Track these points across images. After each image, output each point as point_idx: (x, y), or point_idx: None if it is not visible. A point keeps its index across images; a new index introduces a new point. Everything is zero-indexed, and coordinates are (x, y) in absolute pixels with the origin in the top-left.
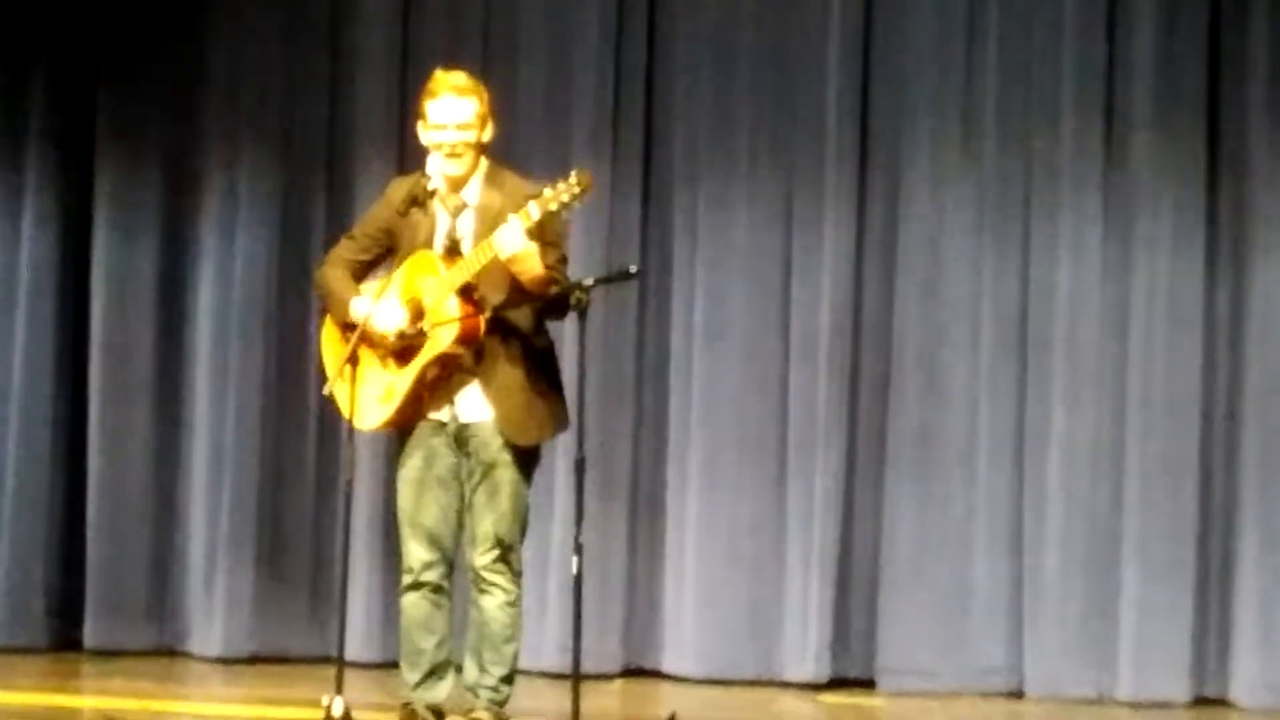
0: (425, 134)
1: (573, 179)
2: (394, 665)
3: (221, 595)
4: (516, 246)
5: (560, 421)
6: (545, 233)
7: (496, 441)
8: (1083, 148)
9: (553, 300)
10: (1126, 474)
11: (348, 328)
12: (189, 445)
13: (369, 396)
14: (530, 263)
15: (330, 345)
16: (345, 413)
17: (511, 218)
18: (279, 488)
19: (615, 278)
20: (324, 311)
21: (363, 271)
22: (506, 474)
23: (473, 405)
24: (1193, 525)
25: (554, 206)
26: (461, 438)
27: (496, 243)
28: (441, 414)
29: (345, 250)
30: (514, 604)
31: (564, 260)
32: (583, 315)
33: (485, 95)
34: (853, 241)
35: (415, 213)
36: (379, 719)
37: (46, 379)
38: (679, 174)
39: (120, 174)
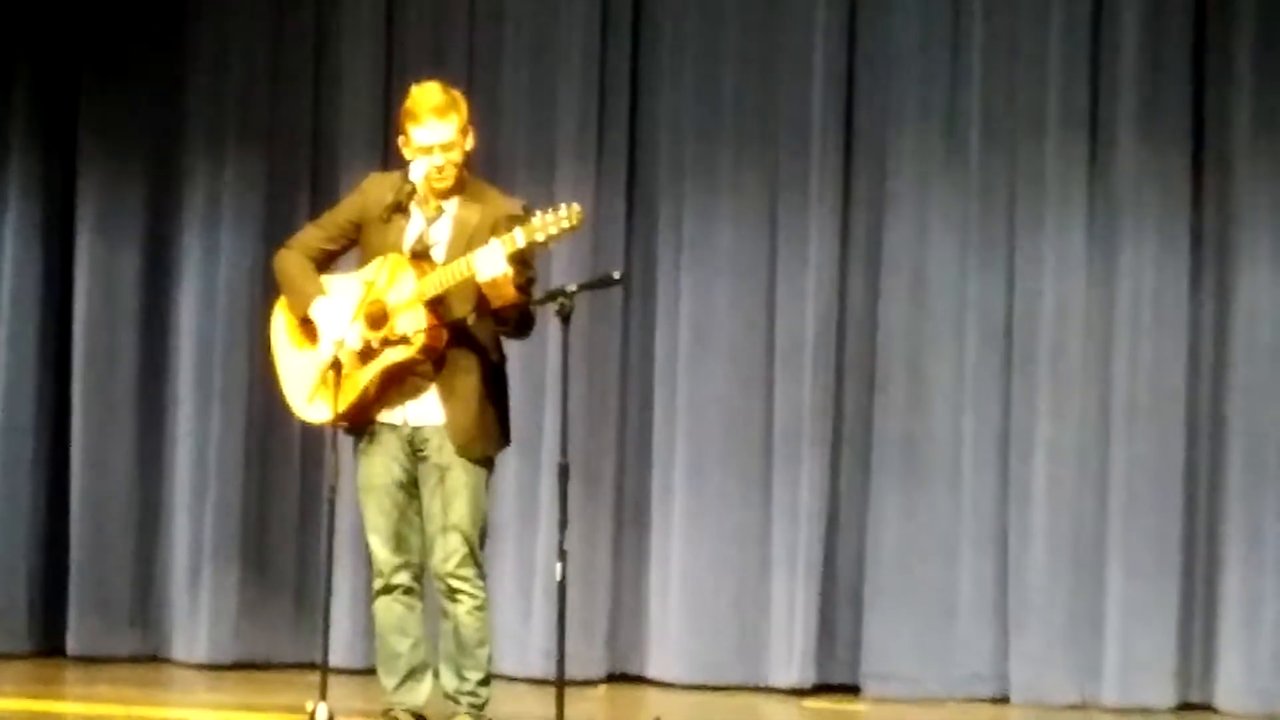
0: (409, 153)
1: (564, 212)
2: (376, 671)
3: (206, 601)
4: (495, 271)
5: (505, 437)
6: (522, 252)
7: (450, 446)
8: (1067, 156)
9: (526, 319)
10: (1111, 481)
11: (305, 323)
12: (173, 451)
13: (316, 394)
14: (505, 289)
15: (286, 333)
16: (323, 417)
17: (494, 242)
18: (263, 494)
19: (599, 283)
20: (278, 291)
21: (326, 260)
22: (462, 476)
23: (426, 410)
24: (1177, 531)
25: (540, 238)
26: (415, 441)
27: (475, 264)
28: (394, 417)
29: (311, 238)
30: (482, 608)
31: (532, 281)
32: (566, 321)
33: (464, 106)
34: (837, 248)
35: (397, 218)
36: None
37: (29, 384)
38: (663, 180)
39: (103, 179)
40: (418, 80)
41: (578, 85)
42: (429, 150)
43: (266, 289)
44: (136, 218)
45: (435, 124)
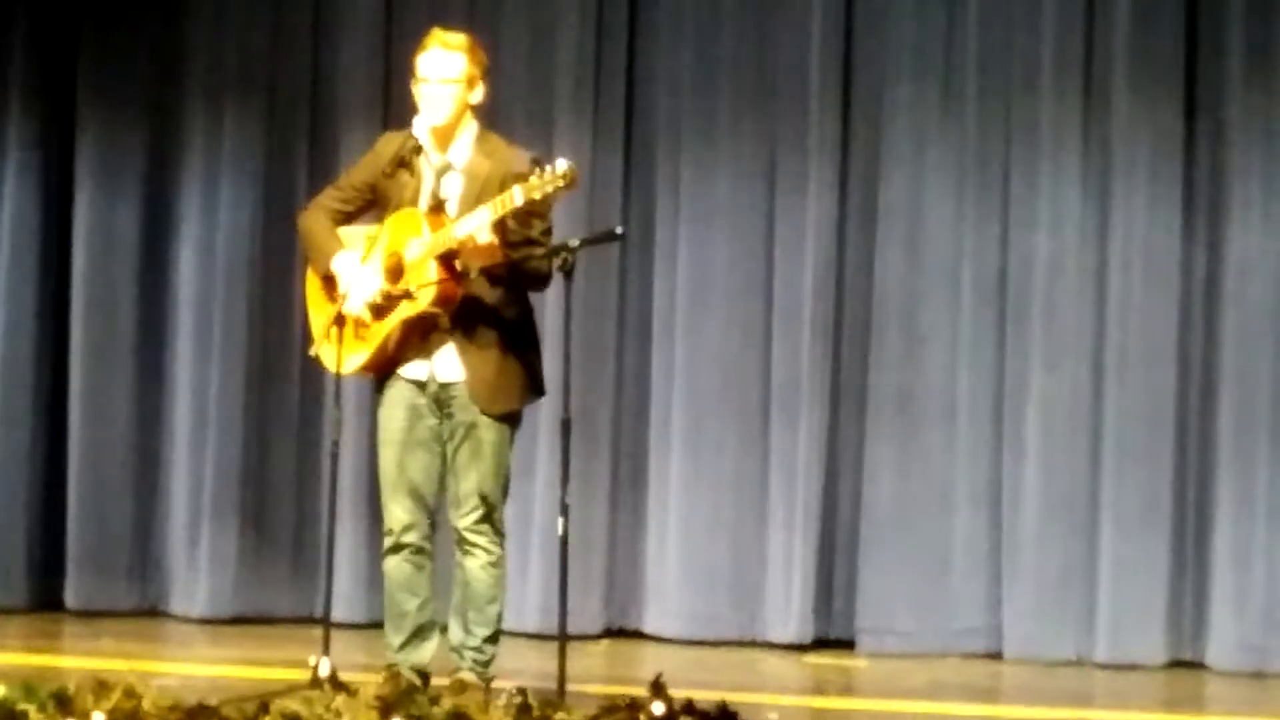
0: (414, 88)
1: (559, 171)
2: (380, 626)
3: (206, 555)
4: (479, 238)
5: (534, 389)
6: (534, 204)
7: (475, 399)
8: (1061, 110)
9: (531, 273)
10: (1103, 436)
11: (328, 279)
12: (172, 405)
13: (344, 341)
14: (487, 252)
15: (313, 297)
16: (331, 367)
17: (481, 210)
18: (263, 448)
19: (600, 238)
20: (306, 258)
21: (345, 221)
22: (488, 434)
23: (450, 366)
24: (1169, 486)
25: (537, 195)
26: (441, 398)
27: (456, 227)
28: (419, 372)
29: (329, 199)
30: (497, 564)
31: (549, 231)
32: (568, 276)
33: (479, 58)
34: (835, 202)
35: (401, 173)
36: (365, 679)
37: (27, 339)
38: (661, 135)
39: (102, 132)
40: (417, 35)
41: (575, 40)
42: (425, 80)
43: (266, 243)
44: (135, 172)
45: (439, 54)
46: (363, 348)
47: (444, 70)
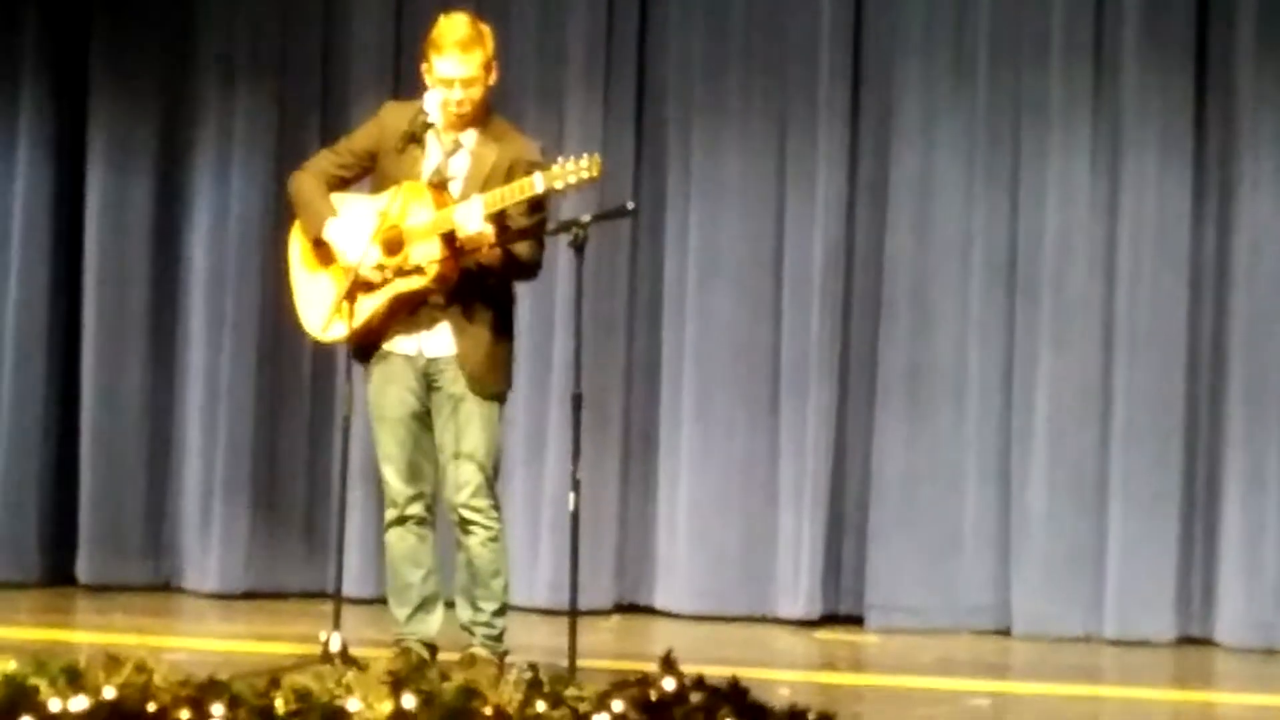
0: (430, 81)
1: (585, 162)
2: (388, 601)
3: (217, 531)
4: (471, 228)
5: (509, 378)
6: (551, 194)
7: (462, 378)
8: (1071, 86)
9: (522, 262)
10: (1113, 411)
11: (318, 244)
12: (184, 380)
13: (326, 309)
14: (481, 244)
15: (304, 261)
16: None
17: (475, 198)
18: (274, 423)
19: (612, 214)
20: (293, 217)
21: (339, 187)
22: (476, 408)
23: (440, 342)
24: (1178, 463)
25: (559, 185)
26: (430, 372)
27: (454, 217)
28: (408, 347)
29: (326, 163)
30: (496, 539)
31: (544, 223)
32: (580, 251)
33: (489, 41)
34: (845, 178)
35: (412, 148)
36: (375, 654)
37: (40, 315)
38: (672, 110)
39: (115, 109)
40: (427, 12)
41: (585, 18)
42: (449, 83)
43: (278, 219)
44: (148, 148)
45: (458, 57)
46: (350, 319)
47: (465, 70)
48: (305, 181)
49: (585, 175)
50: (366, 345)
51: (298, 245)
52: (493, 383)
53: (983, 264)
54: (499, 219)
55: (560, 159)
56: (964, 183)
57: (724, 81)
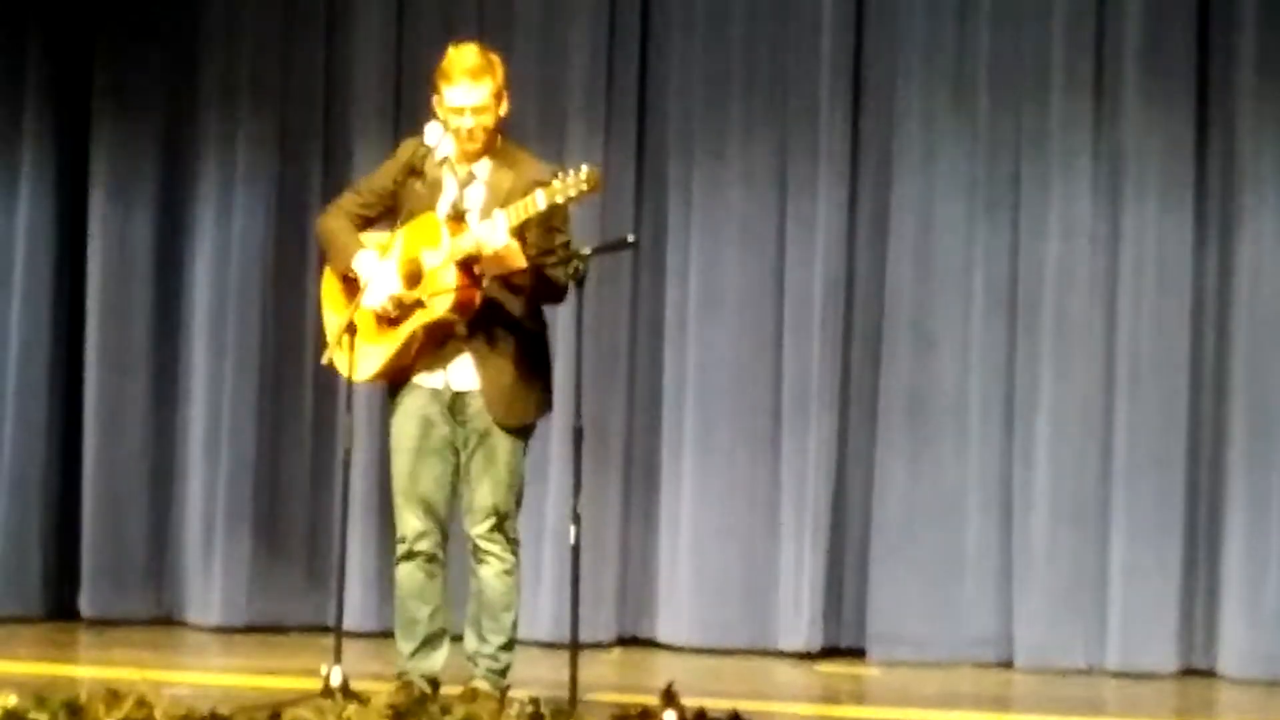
0: (441, 112)
1: (583, 174)
2: (391, 635)
3: (219, 564)
4: (495, 243)
5: (544, 405)
6: (554, 216)
7: (487, 409)
8: (1072, 117)
9: (549, 281)
10: (1115, 442)
11: (347, 279)
12: (186, 414)
13: (359, 348)
14: (508, 260)
15: (330, 299)
16: (344, 371)
17: (498, 213)
18: (276, 457)
19: (613, 247)
20: (323, 261)
21: (364, 226)
22: (502, 443)
23: (465, 374)
24: (1181, 493)
25: (560, 199)
26: (455, 406)
27: (478, 234)
28: (435, 380)
29: (349, 203)
30: (510, 572)
31: (568, 245)
32: (580, 284)
33: (499, 71)
34: (845, 210)
35: (413, 181)
36: (377, 688)
37: (43, 347)
38: (673, 143)
39: (116, 143)
40: (429, 43)
41: (587, 49)
42: (460, 111)
43: (280, 250)
44: (150, 180)
45: (468, 85)
46: (378, 354)
47: (475, 99)
48: (331, 221)
49: (584, 188)
50: (396, 379)
51: (328, 286)
52: (517, 415)
53: (984, 294)
54: (521, 242)
55: (560, 174)
56: (965, 213)
57: (724, 113)
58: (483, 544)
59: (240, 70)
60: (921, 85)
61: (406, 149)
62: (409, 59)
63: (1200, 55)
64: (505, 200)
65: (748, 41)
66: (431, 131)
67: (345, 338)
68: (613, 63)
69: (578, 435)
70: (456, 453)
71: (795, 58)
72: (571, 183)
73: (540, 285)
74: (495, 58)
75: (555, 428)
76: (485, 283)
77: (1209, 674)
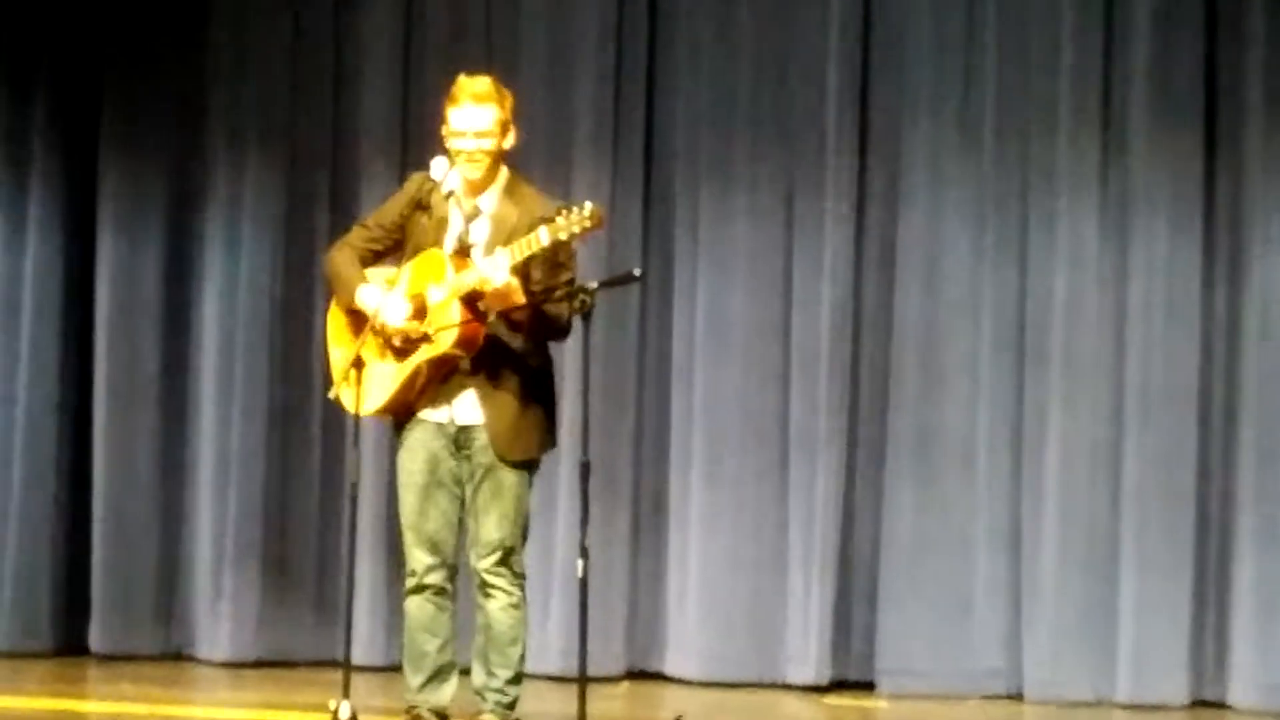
0: (447, 139)
1: (585, 211)
2: (399, 669)
3: (228, 599)
4: (496, 281)
5: (548, 441)
6: (558, 254)
7: (491, 444)
8: (1080, 150)
9: (551, 320)
10: (1124, 475)
11: (353, 313)
12: (195, 450)
13: (364, 383)
14: (510, 297)
15: (336, 334)
16: (350, 408)
17: (499, 251)
18: (285, 492)
19: (619, 281)
20: (329, 296)
21: (371, 261)
22: (507, 476)
23: (470, 409)
24: (1190, 526)
25: (563, 236)
26: (460, 440)
27: (480, 272)
28: (440, 415)
29: (356, 238)
30: (517, 606)
31: (572, 282)
32: (586, 318)
33: (508, 102)
34: (852, 244)
35: (419, 215)
36: None
37: (52, 384)
38: (680, 177)
39: (125, 180)
40: (436, 82)
41: (594, 85)
42: (462, 134)
43: (287, 288)
44: (158, 218)
45: (472, 108)
46: (383, 388)
47: (478, 123)
48: (337, 256)
49: (587, 225)
50: (401, 414)
51: (333, 321)
52: (520, 450)
53: (992, 328)
54: (523, 280)
55: (564, 211)
56: (972, 247)
57: (731, 148)
58: (489, 578)
59: (247, 109)
60: (928, 120)
61: (413, 183)
62: (416, 96)
63: (1208, 88)
64: (510, 235)
65: (754, 77)
66: (437, 166)
67: (352, 372)
68: (619, 99)
69: (585, 469)
70: (462, 486)
71: (802, 93)
72: (575, 219)
73: (541, 323)
74: (507, 92)
75: (563, 462)
76: (490, 319)
77: (1220, 706)
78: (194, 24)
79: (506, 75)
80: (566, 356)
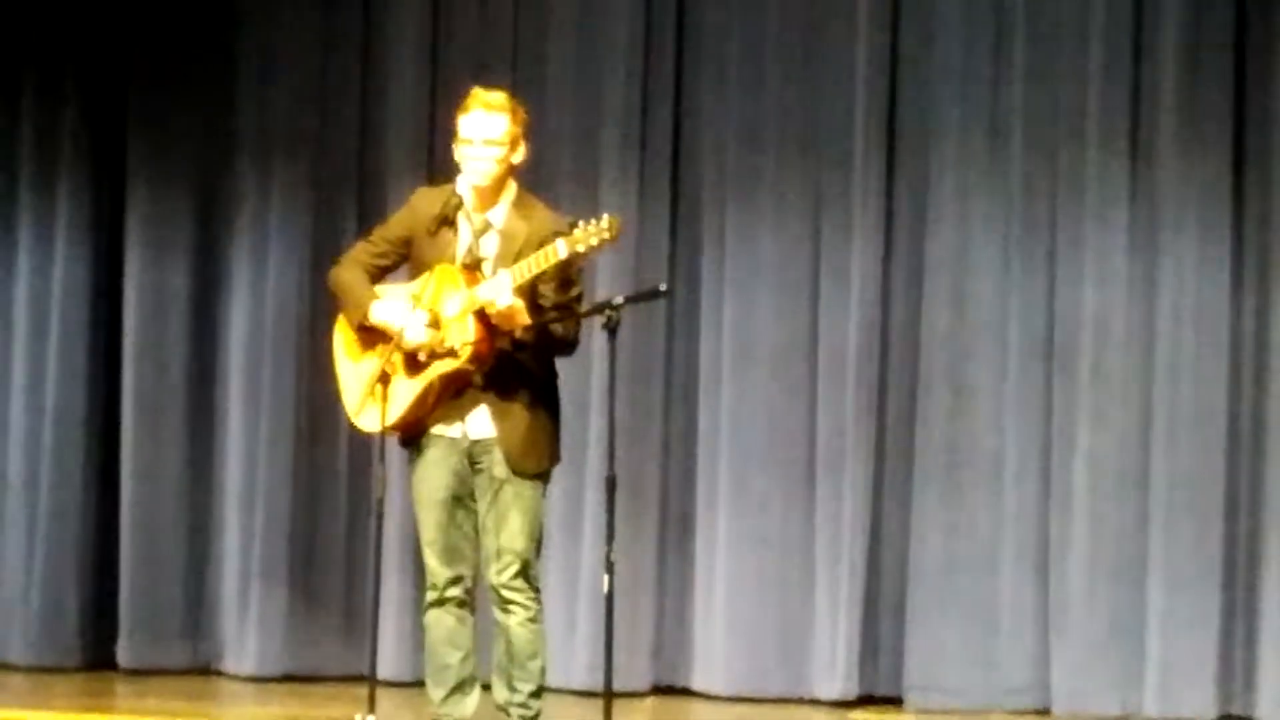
0: (457, 154)
1: (604, 223)
2: (424, 684)
3: (255, 614)
4: (500, 303)
5: (555, 455)
6: (568, 270)
7: (504, 458)
8: (1108, 166)
9: (558, 339)
10: (1152, 490)
11: (363, 329)
12: (222, 465)
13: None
14: (514, 318)
15: (347, 351)
16: (374, 428)
17: (502, 273)
18: (312, 507)
19: (645, 296)
20: (336, 311)
21: (378, 276)
22: (521, 489)
23: (483, 423)
24: (1218, 541)
25: (581, 248)
26: (474, 453)
27: (482, 296)
28: (453, 430)
29: (362, 254)
30: (535, 619)
31: (580, 298)
32: (613, 334)
33: (520, 117)
34: (879, 259)
35: (445, 231)
36: None
37: (79, 398)
38: (706, 192)
39: (152, 194)
40: (462, 93)
41: (620, 96)
42: (469, 141)
43: (314, 301)
44: (185, 230)
45: (482, 116)
46: (396, 404)
47: (487, 131)
48: (344, 272)
49: (605, 236)
50: (413, 430)
51: (341, 337)
52: (534, 463)
53: (1020, 343)
54: (532, 296)
55: (580, 223)
56: (1000, 262)
57: (759, 162)
58: (507, 593)
59: (274, 122)
60: (956, 135)
61: (422, 198)
62: (443, 109)
63: (1236, 104)
64: (520, 251)
65: (781, 92)
66: (462, 181)
67: (377, 388)
68: (646, 114)
69: (611, 484)
70: (476, 500)
71: (829, 108)
72: (593, 231)
73: (547, 339)
74: (521, 107)
75: (590, 477)
76: (504, 333)
77: (1247, 719)
78: (221, 35)
79: (533, 88)
80: (593, 371)
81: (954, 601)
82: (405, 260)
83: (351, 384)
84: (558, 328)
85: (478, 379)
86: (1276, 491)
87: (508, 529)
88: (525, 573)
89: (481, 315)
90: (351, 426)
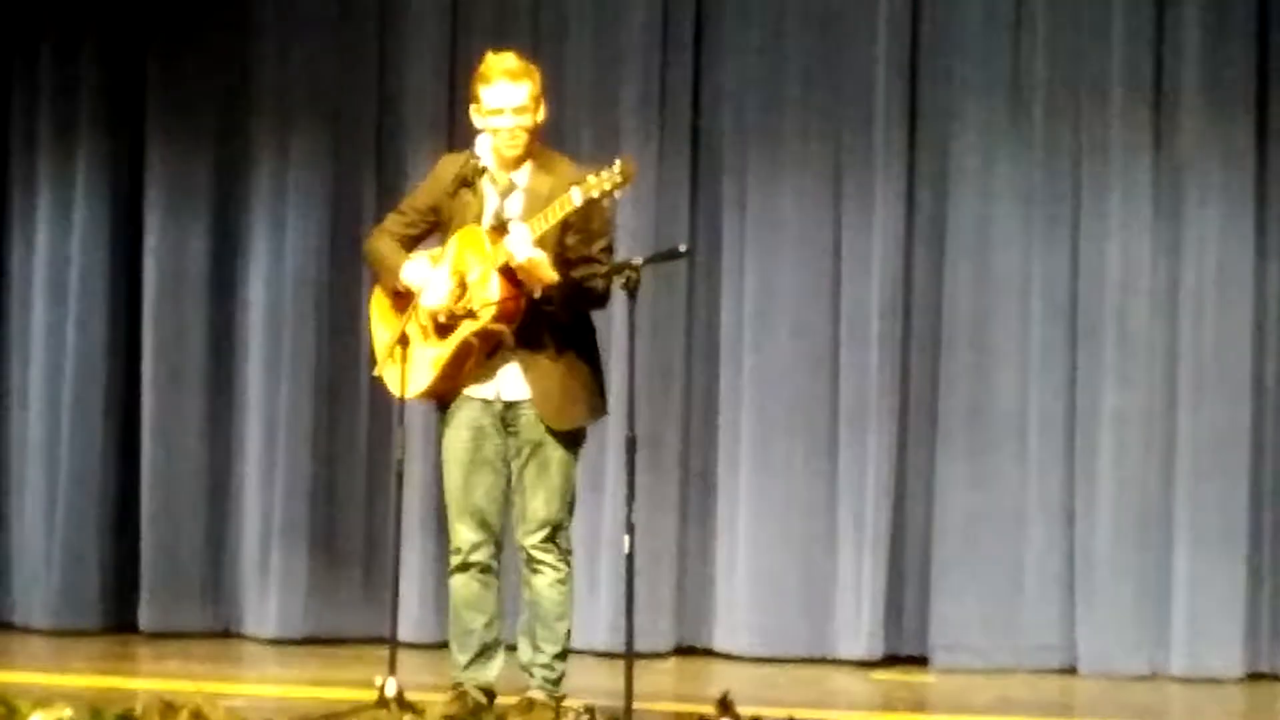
0: (480, 119)
1: (616, 167)
2: (447, 646)
3: (276, 577)
4: (522, 255)
5: (597, 408)
6: (592, 220)
7: (539, 420)
8: (1131, 125)
9: (587, 292)
10: (1178, 450)
11: (398, 295)
12: (242, 428)
13: (409, 366)
14: (538, 271)
15: (381, 316)
16: (395, 391)
17: (521, 225)
18: (332, 469)
19: (665, 257)
20: (374, 283)
21: (409, 245)
22: (554, 453)
23: (515, 384)
24: (1244, 500)
25: (595, 194)
26: (507, 417)
27: (506, 246)
28: (486, 391)
29: (392, 224)
30: (564, 582)
31: (609, 249)
32: (632, 294)
33: (537, 76)
34: (902, 219)
35: (464, 193)
36: (432, 699)
37: (99, 363)
38: (727, 153)
39: (171, 159)
40: (483, 53)
41: (641, 59)
42: (499, 112)
43: (333, 267)
44: (204, 195)
45: (507, 85)
46: (427, 368)
47: (514, 99)
48: (377, 243)
49: (618, 180)
50: (449, 393)
51: (377, 307)
52: (568, 419)
53: (1043, 303)
54: (561, 251)
55: (594, 171)
56: (1023, 222)
57: (779, 123)
58: (536, 554)
59: (293, 87)
60: (979, 95)
61: (446, 164)
62: (463, 73)
63: (1260, 63)
64: (545, 203)
65: (802, 52)
66: (482, 143)
67: (397, 349)
68: (666, 74)
69: (631, 444)
70: (508, 464)
71: (850, 68)
72: (606, 176)
73: (577, 293)
74: (533, 66)
75: (611, 438)
76: (526, 290)
77: (1275, 678)
78: (239, 1)
79: (552, 50)
80: (613, 332)
81: (979, 561)
82: (435, 228)
83: (387, 345)
84: (587, 281)
85: (509, 338)
86: None
87: (541, 492)
88: (555, 536)
89: (507, 272)
90: (388, 392)
